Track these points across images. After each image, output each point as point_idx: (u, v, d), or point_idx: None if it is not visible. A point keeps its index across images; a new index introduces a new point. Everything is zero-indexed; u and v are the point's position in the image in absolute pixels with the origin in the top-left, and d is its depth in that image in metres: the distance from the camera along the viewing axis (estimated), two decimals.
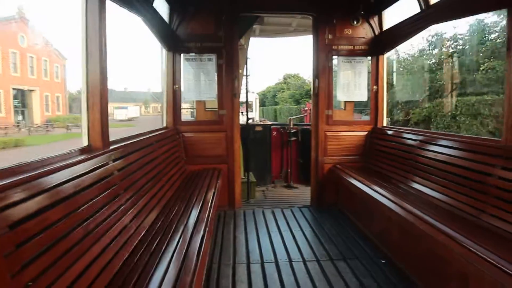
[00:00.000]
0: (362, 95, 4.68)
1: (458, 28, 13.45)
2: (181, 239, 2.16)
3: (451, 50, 13.82)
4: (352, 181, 3.78)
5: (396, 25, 4.12)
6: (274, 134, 6.31)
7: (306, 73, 49.76)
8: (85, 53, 2.21)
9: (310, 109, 23.37)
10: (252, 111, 23.18)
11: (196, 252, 1.97)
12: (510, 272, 1.63)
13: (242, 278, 2.79)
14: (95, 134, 2.26)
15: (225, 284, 2.70)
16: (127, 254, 1.91)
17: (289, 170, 6.12)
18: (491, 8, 3.27)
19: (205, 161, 4.51)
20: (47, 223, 1.39)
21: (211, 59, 4.46)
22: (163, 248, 2.03)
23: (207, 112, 4.64)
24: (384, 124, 4.65)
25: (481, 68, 11.15)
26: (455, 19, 3.88)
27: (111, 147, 2.37)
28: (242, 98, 5.75)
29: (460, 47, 13.32)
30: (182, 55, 4.46)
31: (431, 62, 14.90)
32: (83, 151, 2.12)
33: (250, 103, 21.20)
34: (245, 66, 5.55)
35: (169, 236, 2.22)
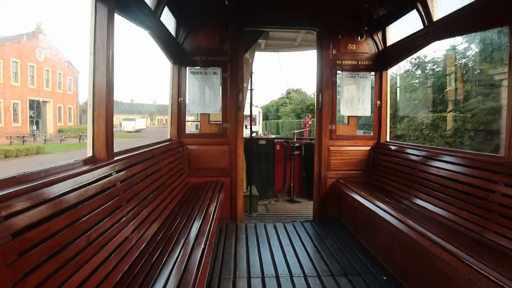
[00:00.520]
0: (365, 110, 4.70)
1: (437, 52, 15.02)
2: (181, 252, 2.15)
3: (430, 73, 15.38)
4: (354, 196, 3.76)
5: (400, 41, 4.17)
6: (277, 148, 6.32)
7: (309, 87, 50.00)
8: (92, 65, 2.25)
9: (309, 124, 23.48)
10: (255, 125, 23.29)
11: (196, 266, 1.96)
12: None
13: None
14: (100, 145, 2.28)
15: None
16: (128, 265, 1.90)
17: (292, 184, 6.10)
18: (492, 25, 3.30)
19: (208, 174, 4.51)
20: (49, 232, 1.40)
21: (216, 72, 4.53)
22: (164, 260, 2.03)
23: (211, 125, 4.67)
24: (388, 139, 4.65)
25: (446, 89, 13.37)
26: (457, 36, 3.93)
27: (115, 158, 2.39)
28: (246, 111, 5.79)
29: (437, 70, 15.17)
30: (187, 68, 4.53)
31: (413, 82, 16.65)
32: (87, 161, 2.14)
33: (253, 116, 21.34)
34: (250, 80, 5.63)
35: (170, 248, 2.21)
